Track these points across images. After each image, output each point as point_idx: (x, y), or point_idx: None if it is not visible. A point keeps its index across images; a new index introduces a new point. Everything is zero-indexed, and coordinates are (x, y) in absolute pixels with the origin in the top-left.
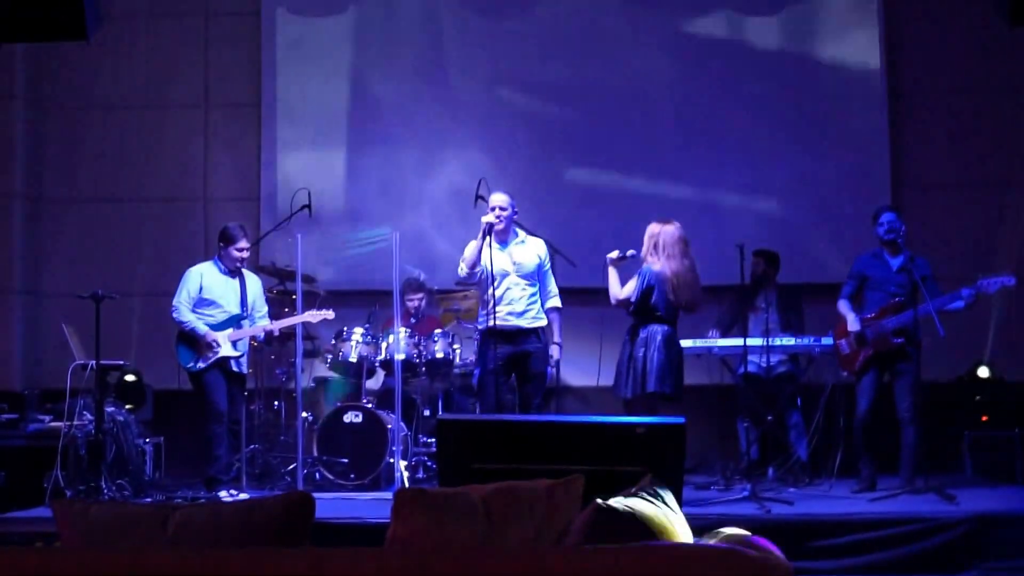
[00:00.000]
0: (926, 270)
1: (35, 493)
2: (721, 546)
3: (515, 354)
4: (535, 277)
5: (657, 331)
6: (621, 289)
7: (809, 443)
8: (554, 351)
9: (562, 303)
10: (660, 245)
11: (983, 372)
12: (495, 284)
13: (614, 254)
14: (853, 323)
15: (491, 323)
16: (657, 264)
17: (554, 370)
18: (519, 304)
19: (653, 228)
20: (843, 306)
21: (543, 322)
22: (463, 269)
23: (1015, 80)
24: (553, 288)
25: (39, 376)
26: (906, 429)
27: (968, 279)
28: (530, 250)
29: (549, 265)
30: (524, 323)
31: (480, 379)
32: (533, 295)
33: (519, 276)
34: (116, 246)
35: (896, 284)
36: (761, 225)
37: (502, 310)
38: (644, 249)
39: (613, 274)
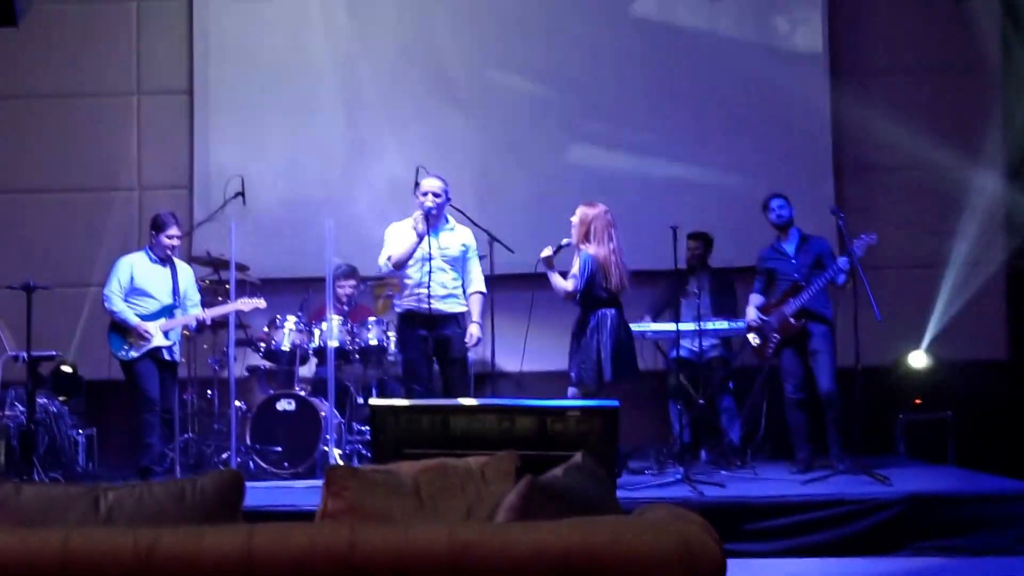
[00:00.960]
0: (822, 247)
1: None
2: (651, 517)
3: (436, 338)
4: (459, 264)
5: (606, 315)
6: (565, 282)
7: (741, 427)
8: (473, 329)
9: (500, 289)
10: (592, 230)
11: (917, 360)
12: (419, 270)
13: (547, 251)
14: (750, 314)
15: (411, 305)
16: (591, 248)
17: (475, 351)
18: (441, 289)
19: (584, 212)
20: (751, 299)
21: (463, 308)
22: (384, 263)
23: (959, 60)
24: (477, 275)
25: None
26: (828, 407)
27: (907, 263)
28: (457, 237)
29: (476, 253)
30: (444, 307)
31: (405, 364)
32: (456, 280)
33: (443, 261)
34: (47, 237)
35: (795, 269)
36: (697, 207)
37: (423, 293)
38: (576, 235)
39: (554, 275)
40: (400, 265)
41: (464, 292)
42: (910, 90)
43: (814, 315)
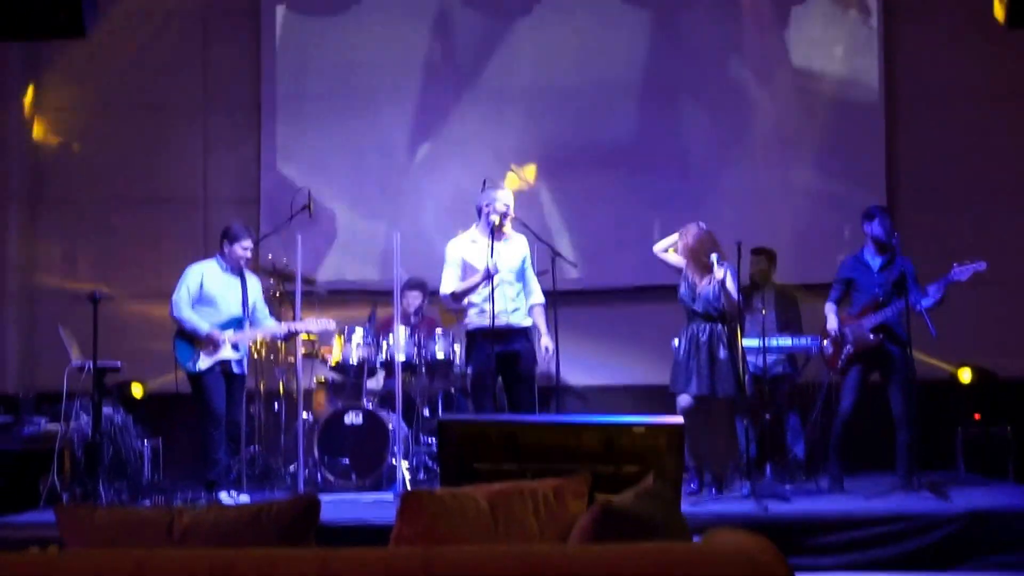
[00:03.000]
0: (909, 267)
1: (30, 497)
2: (722, 546)
3: (505, 354)
4: (520, 275)
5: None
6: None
7: (806, 442)
8: (546, 342)
9: (563, 304)
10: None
11: (973, 375)
12: (486, 285)
13: (722, 272)
14: (831, 323)
15: (484, 323)
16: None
17: (551, 364)
18: (509, 303)
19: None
20: (828, 308)
21: (529, 321)
22: (448, 295)
23: (1011, 86)
24: (535, 285)
25: (34, 379)
26: (900, 429)
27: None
28: (516, 249)
29: (531, 262)
30: (514, 321)
31: (474, 379)
32: (519, 293)
33: (509, 273)
34: (113, 247)
35: (878, 284)
36: (760, 225)
37: (488, 309)
38: (717, 252)
39: (731, 287)
40: (462, 299)
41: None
42: (965, 114)
43: (893, 334)
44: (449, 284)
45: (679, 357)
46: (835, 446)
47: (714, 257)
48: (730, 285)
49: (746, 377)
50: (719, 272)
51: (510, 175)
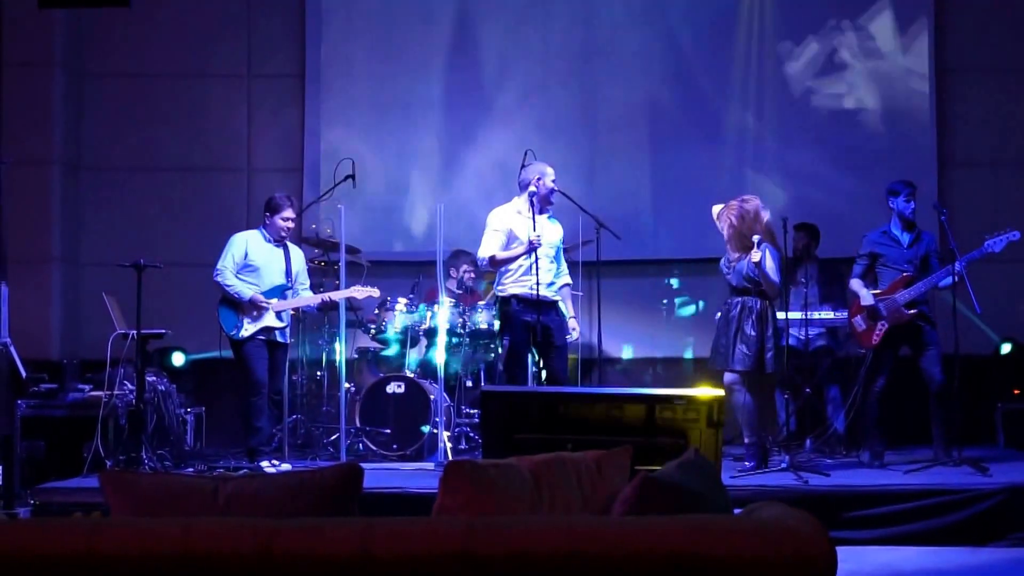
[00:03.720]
0: (933, 245)
1: (74, 463)
2: (764, 519)
3: (540, 324)
4: (557, 255)
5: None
6: (775, 275)
7: (846, 416)
8: (573, 324)
9: (606, 275)
10: (762, 223)
11: (1013, 350)
12: (527, 256)
13: (758, 255)
14: (867, 298)
15: (520, 291)
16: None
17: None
18: (546, 276)
19: (746, 209)
20: (855, 284)
21: (559, 298)
22: (487, 260)
23: None
24: (565, 267)
25: (78, 346)
26: (936, 402)
27: (1007, 257)
28: (556, 229)
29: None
30: (549, 294)
31: (511, 351)
32: (554, 270)
33: (549, 249)
34: (156, 215)
35: (906, 260)
36: (803, 199)
37: (531, 280)
38: (760, 232)
39: (768, 269)
40: (501, 266)
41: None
42: (1012, 87)
43: (923, 310)
44: (490, 248)
45: (718, 332)
46: (874, 422)
47: (755, 239)
48: (770, 266)
49: (768, 356)
50: (755, 255)
51: None
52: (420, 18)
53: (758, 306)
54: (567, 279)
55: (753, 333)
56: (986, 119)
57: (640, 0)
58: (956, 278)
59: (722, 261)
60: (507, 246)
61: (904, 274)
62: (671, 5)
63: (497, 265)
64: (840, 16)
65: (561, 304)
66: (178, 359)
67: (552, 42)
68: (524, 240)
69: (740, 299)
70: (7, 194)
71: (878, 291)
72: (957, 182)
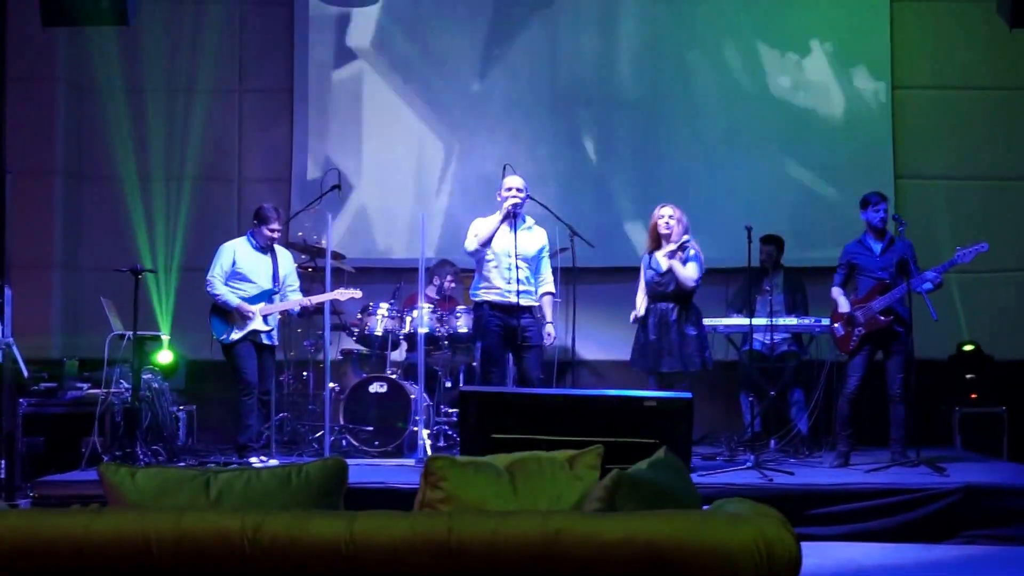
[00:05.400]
0: (910, 251)
1: (73, 458)
2: (731, 514)
3: (512, 327)
4: (534, 264)
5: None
6: (692, 272)
7: (809, 418)
8: (550, 329)
9: (581, 281)
10: (687, 226)
11: (971, 357)
12: (499, 264)
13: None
14: (844, 306)
15: (492, 297)
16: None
17: (549, 349)
18: (518, 285)
19: (677, 212)
20: (835, 292)
21: (536, 303)
22: (473, 243)
23: (1013, 79)
24: (548, 276)
25: (77, 346)
26: (896, 405)
27: (963, 267)
28: (534, 238)
29: (548, 255)
30: (521, 300)
31: (484, 353)
32: (530, 277)
33: (521, 260)
34: (152, 223)
35: (880, 268)
36: (766, 209)
37: (502, 287)
38: (682, 232)
39: (688, 265)
40: (485, 243)
41: (535, 290)
42: (966, 105)
43: (898, 316)
44: (471, 232)
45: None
46: (843, 424)
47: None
48: (680, 271)
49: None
50: (663, 262)
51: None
52: (405, 36)
53: (672, 310)
54: (550, 287)
55: (654, 337)
56: (939, 135)
57: (623, 20)
58: (923, 288)
59: (655, 264)
60: (483, 252)
61: (880, 281)
62: (641, 18)
63: (483, 242)
64: (808, 35)
65: (538, 309)
66: (166, 358)
67: (534, 61)
68: (499, 249)
69: (653, 304)
70: (12, 203)
71: (857, 299)
72: (912, 194)
